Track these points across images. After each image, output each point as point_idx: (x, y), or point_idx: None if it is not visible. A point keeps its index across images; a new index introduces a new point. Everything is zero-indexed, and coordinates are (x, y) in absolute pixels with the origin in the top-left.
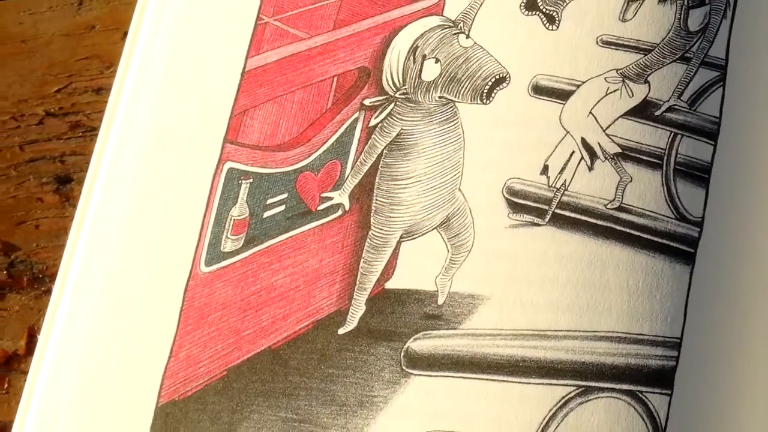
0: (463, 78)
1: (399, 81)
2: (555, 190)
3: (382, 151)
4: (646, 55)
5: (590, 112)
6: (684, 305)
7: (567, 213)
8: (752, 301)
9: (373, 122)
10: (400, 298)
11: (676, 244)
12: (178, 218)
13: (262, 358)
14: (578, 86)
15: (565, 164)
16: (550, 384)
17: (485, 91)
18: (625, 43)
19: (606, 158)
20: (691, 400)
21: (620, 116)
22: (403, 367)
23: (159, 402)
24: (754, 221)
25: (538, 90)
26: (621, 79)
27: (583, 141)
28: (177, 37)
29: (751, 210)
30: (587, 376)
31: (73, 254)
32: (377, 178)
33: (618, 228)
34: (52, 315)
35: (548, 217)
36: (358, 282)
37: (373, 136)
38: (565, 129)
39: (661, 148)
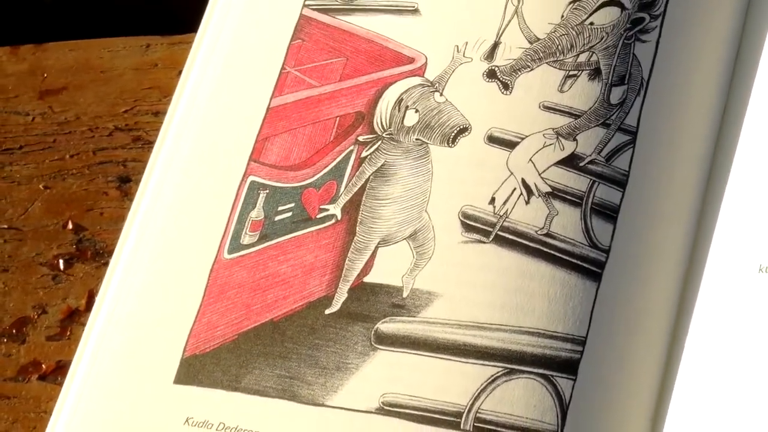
0: (435, 126)
1: (386, 124)
2: (498, 216)
3: (369, 176)
4: (576, 119)
5: (530, 160)
6: (590, 312)
7: (506, 235)
8: (642, 312)
9: (364, 154)
10: (374, 290)
11: (588, 266)
12: (210, 215)
13: (265, 327)
14: (522, 139)
15: (508, 197)
16: (483, 364)
17: (451, 137)
18: (561, 108)
19: (539, 195)
20: (590, 385)
21: (553, 164)
22: (372, 343)
23: (184, 355)
24: (648, 252)
25: (492, 139)
26: (556, 136)
27: (523, 181)
28: (219, 78)
29: (647, 243)
30: (512, 361)
31: (127, 237)
32: (363, 197)
33: (544, 250)
34: (107, 282)
35: (492, 237)
36: (343, 275)
37: (363, 164)
38: (510, 171)
39: (582, 191)
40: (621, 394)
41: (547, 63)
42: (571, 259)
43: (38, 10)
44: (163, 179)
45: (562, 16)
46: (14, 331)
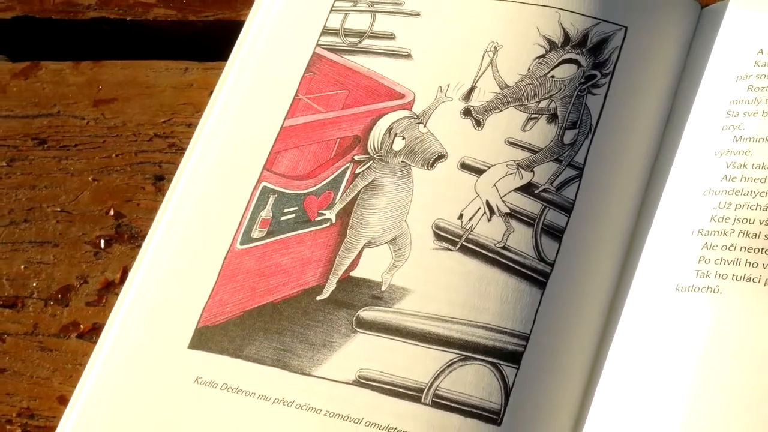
0: (418, 152)
1: (378, 147)
2: (465, 230)
3: (361, 189)
4: (534, 154)
5: (494, 185)
6: (535, 313)
7: (470, 245)
8: (577, 317)
9: (357, 171)
10: (358, 283)
11: (535, 275)
12: (227, 212)
13: (266, 308)
14: (489, 167)
15: (473, 215)
16: (444, 351)
17: (431, 162)
18: (522, 144)
19: (499, 215)
20: (530, 373)
21: (512, 190)
22: (354, 327)
23: (198, 325)
24: (586, 268)
25: (464, 166)
26: (516, 167)
27: (487, 202)
28: (242, 100)
29: (586, 260)
30: (467, 349)
31: (158, 226)
32: (355, 206)
33: (501, 260)
34: (139, 261)
35: (458, 246)
36: (333, 269)
37: (356, 179)
38: (476, 193)
39: (535, 214)
40: (555, 382)
41: (513, 106)
42: (522, 269)
43: (98, 35)
44: (191, 180)
45: (529, 69)
46: (59, 296)
